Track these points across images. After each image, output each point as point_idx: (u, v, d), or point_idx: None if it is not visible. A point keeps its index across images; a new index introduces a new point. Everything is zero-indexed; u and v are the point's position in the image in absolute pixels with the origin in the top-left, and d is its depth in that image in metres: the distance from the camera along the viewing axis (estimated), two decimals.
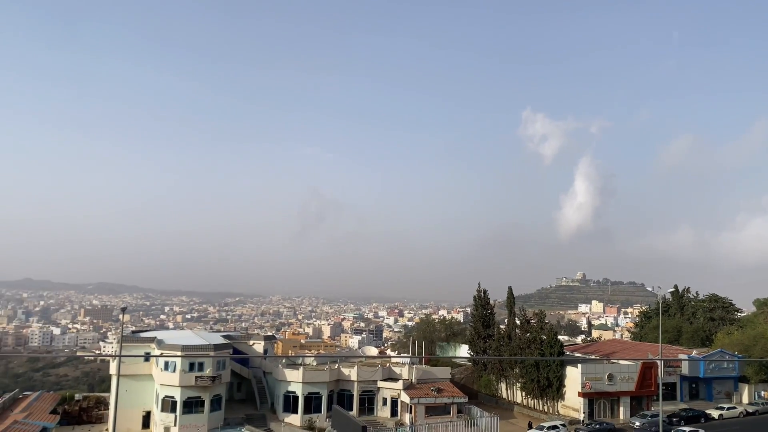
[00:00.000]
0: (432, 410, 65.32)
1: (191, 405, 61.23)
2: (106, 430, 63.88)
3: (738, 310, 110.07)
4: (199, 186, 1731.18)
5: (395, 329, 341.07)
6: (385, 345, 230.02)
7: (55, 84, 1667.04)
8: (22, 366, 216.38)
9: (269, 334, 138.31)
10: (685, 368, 76.22)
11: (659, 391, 57.28)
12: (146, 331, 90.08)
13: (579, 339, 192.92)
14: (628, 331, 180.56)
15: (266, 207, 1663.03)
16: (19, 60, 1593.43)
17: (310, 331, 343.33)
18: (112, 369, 67.42)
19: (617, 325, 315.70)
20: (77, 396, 73.21)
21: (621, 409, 69.58)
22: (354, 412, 65.84)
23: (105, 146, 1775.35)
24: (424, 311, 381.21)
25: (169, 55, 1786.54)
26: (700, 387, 78.79)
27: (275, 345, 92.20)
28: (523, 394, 74.97)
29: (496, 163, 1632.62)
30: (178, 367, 60.97)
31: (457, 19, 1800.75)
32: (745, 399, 77.82)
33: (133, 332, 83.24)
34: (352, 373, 68.34)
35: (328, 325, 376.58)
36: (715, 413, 67.54)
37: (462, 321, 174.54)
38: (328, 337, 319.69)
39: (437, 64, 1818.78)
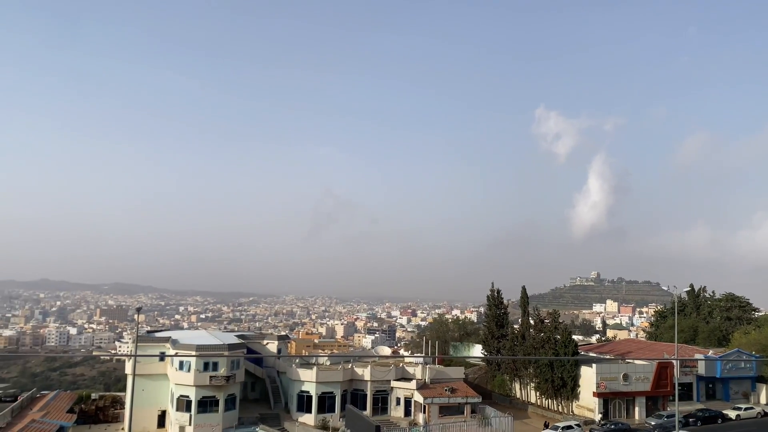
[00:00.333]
0: (446, 410, 65.21)
1: (206, 404, 61.55)
2: (122, 429, 64.39)
3: (755, 310, 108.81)
4: (213, 186, 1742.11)
5: (408, 329, 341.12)
6: (399, 345, 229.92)
7: (67, 84, 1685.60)
8: (40, 365, 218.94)
9: (283, 333, 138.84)
10: (701, 368, 75.52)
11: (675, 392, 56.81)
12: (161, 331, 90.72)
13: (593, 339, 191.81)
14: (644, 330, 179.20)
15: (279, 207, 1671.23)
16: (35, 62, 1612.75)
17: (323, 330, 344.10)
18: (128, 368, 67.96)
19: (632, 325, 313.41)
20: (93, 395, 73.90)
21: (636, 409, 69.03)
22: (367, 411, 65.78)
23: (118, 147, 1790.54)
24: (437, 311, 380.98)
25: (182, 57, 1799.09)
26: (716, 387, 77.98)
27: (289, 345, 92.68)
28: (538, 394, 74.61)
29: (510, 162, 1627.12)
30: (193, 367, 61.32)
31: (468, 17, 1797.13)
32: (763, 399, 76.94)
33: (148, 332, 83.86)
34: (365, 372, 68.36)
35: (342, 324, 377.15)
36: (732, 414, 66.77)
37: (475, 321, 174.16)
38: (342, 336, 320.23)
39: (450, 64, 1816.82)
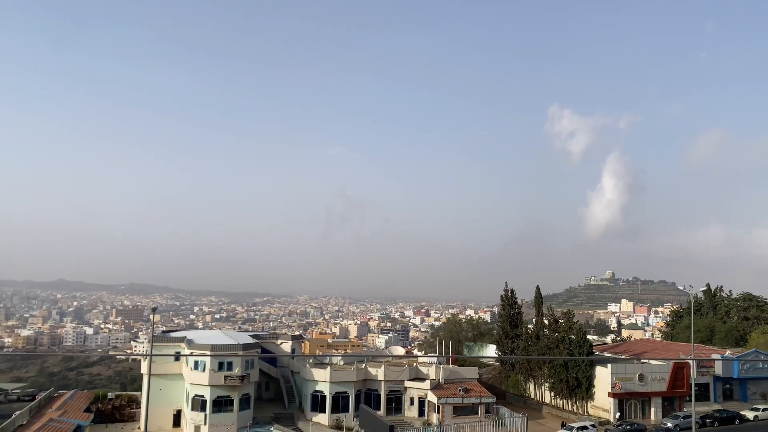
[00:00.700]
0: (459, 410, 65.15)
1: (220, 404, 61.97)
2: (138, 428, 64.98)
3: None
4: (226, 187, 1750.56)
5: (422, 329, 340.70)
6: (412, 345, 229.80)
7: (81, 87, 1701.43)
8: (57, 365, 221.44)
9: (297, 333, 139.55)
10: (718, 368, 74.74)
11: (692, 392, 56.30)
12: (176, 330, 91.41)
13: (608, 339, 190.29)
14: (659, 330, 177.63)
15: (293, 207, 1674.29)
16: (50, 65, 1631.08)
17: (336, 330, 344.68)
18: (144, 368, 68.49)
19: (648, 325, 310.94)
20: (110, 395, 74.70)
21: (652, 409, 68.46)
22: (381, 411, 65.91)
23: (132, 148, 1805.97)
24: (450, 311, 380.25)
25: (195, 60, 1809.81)
26: (734, 387, 77.09)
27: (302, 344, 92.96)
28: (552, 395, 74.28)
29: (522, 162, 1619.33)
30: (208, 367, 61.76)
31: (480, 16, 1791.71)
32: None
33: (163, 332, 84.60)
34: (379, 372, 68.44)
35: (355, 324, 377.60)
36: (750, 414, 65.99)
37: (489, 321, 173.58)
38: (355, 336, 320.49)
39: (462, 64, 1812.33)
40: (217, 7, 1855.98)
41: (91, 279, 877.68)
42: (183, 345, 68.65)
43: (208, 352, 62.56)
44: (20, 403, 69.30)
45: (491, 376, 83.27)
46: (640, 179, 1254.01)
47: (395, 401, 68.87)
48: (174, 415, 67.59)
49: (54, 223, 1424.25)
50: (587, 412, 69.62)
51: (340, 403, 66.40)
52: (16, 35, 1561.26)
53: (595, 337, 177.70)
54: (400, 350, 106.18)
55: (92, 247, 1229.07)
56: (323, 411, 65.93)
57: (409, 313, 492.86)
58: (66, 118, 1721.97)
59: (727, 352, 78.73)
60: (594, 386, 69.23)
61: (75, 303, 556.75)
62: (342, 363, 73.54)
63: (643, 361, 73.18)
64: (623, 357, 77.85)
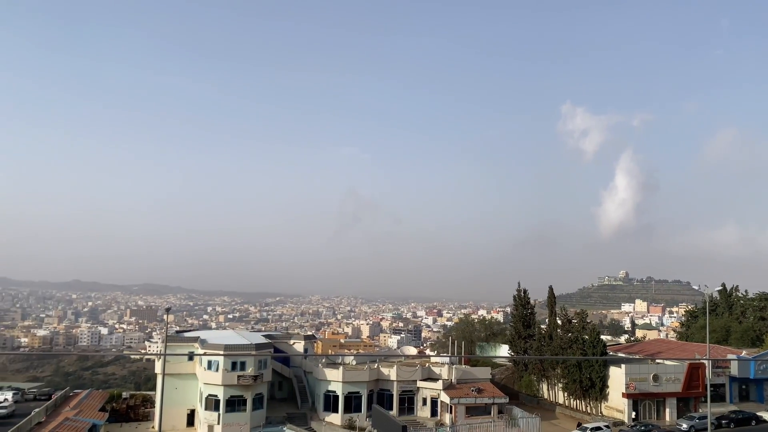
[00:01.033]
0: (472, 410, 64.96)
1: (234, 403, 62.23)
2: (153, 427, 65.45)
3: None
4: (240, 188, 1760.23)
5: (434, 329, 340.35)
6: (424, 345, 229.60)
7: (94, 89, 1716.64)
8: (72, 365, 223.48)
9: (309, 333, 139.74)
10: (734, 369, 73.89)
11: (707, 393, 55.78)
12: (190, 330, 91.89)
13: (622, 339, 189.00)
14: (674, 330, 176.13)
15: (305, 208, 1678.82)
16: (65, 68, 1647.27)
17: (349, 330, 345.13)
18: (158, 368, 68.99)
19: (662, 325, 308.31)
20: (124, 394, 75.20)
21: (667, 410, 67.90)
22: (394, 411, 65.88)
23: (148, 149, 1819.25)
24: (463, 311, 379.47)
25: (209, 65, 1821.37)
26: (750, 388, 76.25)
27: (315, 344, 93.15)
28: (566, 395, 73.88)
29: (535, 161, 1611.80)
30: (221, 366, 62.04)
31: (490, 16, 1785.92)
32: None
33: (177, 332, 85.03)
34: (391, 372, 68.43)
35: (367, 324, 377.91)
36: (766, 416, 65.22)
37: (502, 321, 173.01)
38: (367, 336, 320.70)
39: (473, 65, 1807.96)
40: (227, 12, 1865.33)
41: (105, 279, 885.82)
42: (196, 345, 69.02)
43: (222, 352, 62.81)
44: (37, 402, 69.97)
45: (504, 376, 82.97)
46: (654, 178, 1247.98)
47: (408, 401, 68.80)
48: (188, 415, 68.07)
49: (69, 224, 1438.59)
50: (601, 412, 69.18)
51: (352, 403, 66.45)
52: (29, 42, 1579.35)
53: (609, 338, 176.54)
54: (412, 350, 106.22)
55: (107, 247, 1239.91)
56: (336, 411, 66.02)
57: (421, 313, 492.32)
58: (77, 121, 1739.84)
59: (743, 353, 77.88)
60: (608, 387, 68.78)
61: (90, 303, 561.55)
62: (354, 363, 73.58)
63: (657, 361, 72.59)
64: (637, 357, 77.30)
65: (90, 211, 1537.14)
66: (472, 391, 66.38)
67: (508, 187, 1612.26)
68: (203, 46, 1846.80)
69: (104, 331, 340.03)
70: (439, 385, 67.63)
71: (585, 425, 61.01)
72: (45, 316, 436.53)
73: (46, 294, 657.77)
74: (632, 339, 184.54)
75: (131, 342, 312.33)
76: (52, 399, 66.61)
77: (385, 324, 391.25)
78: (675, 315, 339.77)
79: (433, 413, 67.58)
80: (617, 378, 67.59)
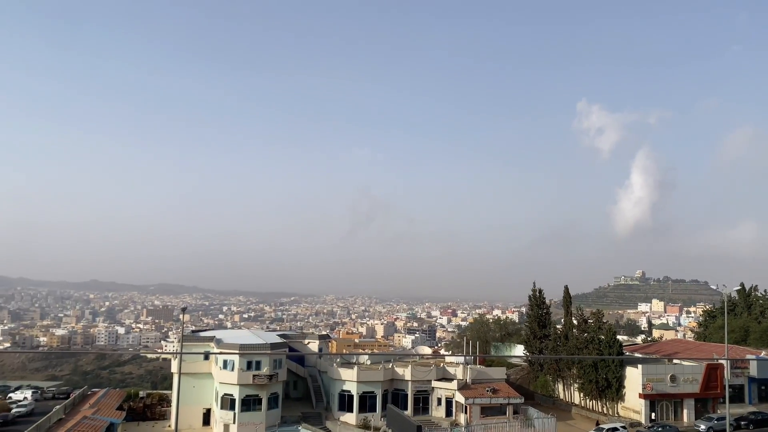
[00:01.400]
0: (487, 411, 64.72)
1: (249, 403, 62.49)
2: (169, 426, 65.93)
3: None
4: (255, 189, 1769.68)
5: (449, 329, 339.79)
6: (439, 345, 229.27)
7: (112, 93, 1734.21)
8: (90, 364, 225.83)
9: (324, 333, 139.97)
10: (753, 369, 72.90)
11: (725, 394, 55.12)
12: (205, 330, 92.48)
13: (639, 339, 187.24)
14: (691, 330, 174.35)
15: (320, 208, 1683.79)
16: (81, 71, 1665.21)
17: (363, 330, 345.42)
18: (174, 367, 69.44)
19: (679, 325, 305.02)
20: (141, 393, 75.87)
21: (685, 411, 67.18)
22: (408, 411, 65.83)
23: (164, 151, 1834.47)
24: (477, 311, 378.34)
25: (225, 70, 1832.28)
26: None
27: (330, 344, 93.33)
28: (582, 395, 73.37)
29: (550, 159, 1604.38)
30: (237, 366, 62.35)
31: (503, 15, 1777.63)
32: None
33: (193, 332, 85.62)
34: (406, 372, 68.38)
35: (382, 324, 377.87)
36: None
37: (517, 321, 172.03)
38: (382, 336, 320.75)
39: (488, 64, 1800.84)
40: (243, 18, 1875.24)
41: (122, 279, 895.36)
42: (212, 344, 69.45)
43: (237, 351, 63.11)
44: (55, 400, 70.89)
45: (519, 376, 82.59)
46: (671, 176, 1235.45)
47: (422, 401, 68.71)
48: (204, 414, 68.42)
49: (87, 225, 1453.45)
50: (617, 413, 68.63)
51: (367, 402, 66.50)
52: (49, 47, 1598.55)
53: (625, 338, 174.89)
54: (427, 350, 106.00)
55: (124, 248, 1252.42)
56: (350, 410, 66.10)
57: (435, 313, 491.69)
58: (94, 123, 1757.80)
59: (763, 353, 76.89)
60: (624, 387, 68.24)
61: (107, 303, 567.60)
62: (369, 363, 73.63)
63: (674, 361, 71.84)
64: (654, 357, 76.56)
65: (107, 212, 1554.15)
66: (487, 391, 66.14)
67: (523, 186, 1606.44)
68: (224, 54, 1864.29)
69: (121, 330, 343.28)
70: (453, 385, 67.46)
71: (601, 426, 60.59)
72: (63, 316, 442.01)
73: (65, 294, 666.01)
74: (649, 339, 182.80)
75: (148, 341, 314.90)
76: (70, 398, 67.42)
77: (399, 324, 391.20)
78: (692, 315, 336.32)
79: (448, 413, 67.41)
80: (634, 378, 67.02)
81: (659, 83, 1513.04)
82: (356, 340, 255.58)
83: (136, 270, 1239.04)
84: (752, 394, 73.71)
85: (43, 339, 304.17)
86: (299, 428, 62.17)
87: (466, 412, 64.36)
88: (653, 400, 66.11)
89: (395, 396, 68.30)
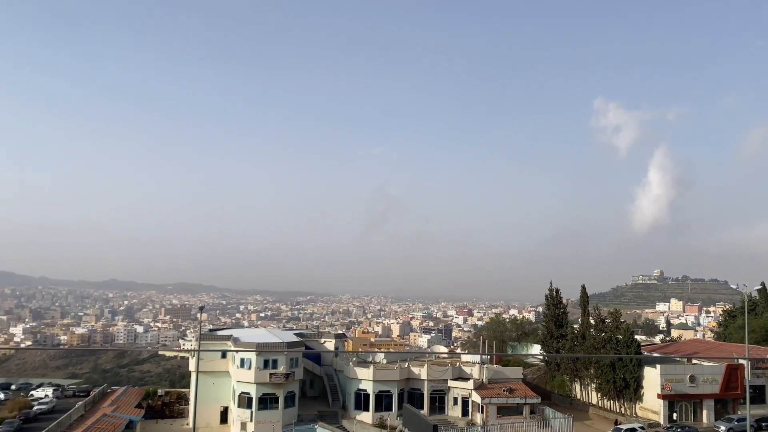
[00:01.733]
0: (504, 410, 64.48)
1: (266, 401, 62.82)
2: (187, 424, 66.59)
3: None
4: (271, 188, 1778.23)
5: (465, 328, 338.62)
6: (455, 344, 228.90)
7: (129, 94, 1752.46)
8: (110, 362, 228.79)
9: (340, 332, 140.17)
10: None
11: (746, 394, 54.45)
12: (223, 329, 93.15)
13: (657, 339, 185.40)
14: (711, 330, 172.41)
15: (335, 208, 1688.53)
16: (96, 73, 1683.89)
17: (379, 329, 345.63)
18: (192, 366, 70.04)
19: (699, 325, 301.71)
20: (160, 391, 76.68)
21: (704, 412, 66.41)
22: (424, 411, 65.79)
23: (180, 152, 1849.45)
24: (494, 310, 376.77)
25: (244, 70, 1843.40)
26: None
27: (346, 343, 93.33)
28: (599, 396, 72.85)
29: (567, 158, 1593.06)
30: (254, 364, 62.68)
31: (517, 13, 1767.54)
32: None
33: (210, 330, 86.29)
34: (422, 372, 68.33)
35: (397, 323, 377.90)
36: None
37: (533, 321, 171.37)
38: (397, 335, 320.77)
39: (502, 60, 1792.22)
40: (258, 22, 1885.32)
41: (141, 279, 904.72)
42: (229, 343, 69.91)
43: (254, 350, 63.46)
44: (76, 398, 71.82)
45: (536, 376, 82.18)
46: (689, 174, 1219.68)
47: (438, 401, 68.62)
48: (221, 412, 69.00)
49: (106, 225, 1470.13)
50: (635, 413, 68.04)
51: (383, 401, 66.55)
52: (67, 50, 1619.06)
53: (643, 338, 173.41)
54: (442, 349, 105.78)
55: (142, 248, 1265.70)
56: (367, 409, 66.21)
57: (451, 312, 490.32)
58: (112, 124, 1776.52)
59: None
60: (642, 387, 67.63)
61: (126, 302, 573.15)
62: (385, 362, 73.69)
63: (694, 361, 71.08)
64: (673, 357, 75.78)
65: (126, 212, 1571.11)
66: (504, 390, 65.88)
67: (539, 185, 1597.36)
68: (245, 57, 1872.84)
69: (140, 329, 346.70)
70: (470, 384, 67.28)
71: (619, 427, 60.14)
72: (83, 315, 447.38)
73: (84, 293, 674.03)
74: (667, 339, 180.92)
75: (166, 340, 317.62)
76: (90, 395, 68.30)
77: (415, 323, 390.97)
78: (712, 315, 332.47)
79: (464, 413, 67.27)
80: (652, 378, 66.40)
81: (678, 80, 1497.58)
82: (372, 340, 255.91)
83: (155, 269, 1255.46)
84: None
85: (63, 337, 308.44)
86: (316, 427, 62.36)
87: (482, 412, 64.20)
88: (672, 400, 65.44)
89: (411, 395, 68.29)
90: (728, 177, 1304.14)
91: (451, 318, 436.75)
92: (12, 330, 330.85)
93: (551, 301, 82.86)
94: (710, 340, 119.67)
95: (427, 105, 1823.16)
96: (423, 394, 67.93)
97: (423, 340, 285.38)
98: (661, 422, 64.07)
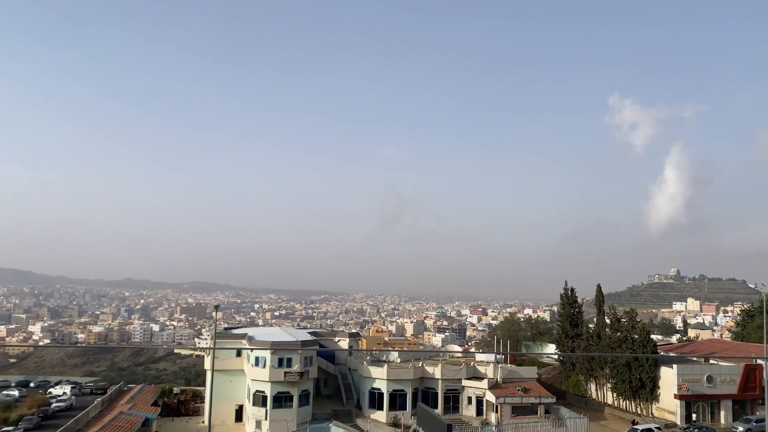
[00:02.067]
0: (518, 410, 64.27)
1: (281, 400, 63.13)
2: (202, 422, 67.02)
3: None
4: (286, 188, 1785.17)
5: (479, 328, 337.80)
6: (469, 344, 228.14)
7: (142, 94, 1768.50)
8: (126, 360, 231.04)
9: (354, 331, 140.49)
10: None
11: (765, 395, 53.77)
12: (238, 328, 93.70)
13: (674, 339, 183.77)
14: (729, 330, 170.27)
15: (349, 207, 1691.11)
16: (111, 75, 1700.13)
17: (393, 328, 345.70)
18: (207, 364, 70.53)
19: (716, 325, 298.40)
20: (175, 389, 77.35)
21: (722, 413, 65.73)
22: (439, 410, 65.71)
23: (195, 152, 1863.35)
24: (508, 310, 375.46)
25: (254, 72, 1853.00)
26: None
27: (360, 342, 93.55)
28: (615, 395, 72.33)
29: (582, 155, 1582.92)
30: (268, 363, 62.99)
31: (533, 11, 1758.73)
32: None
33: (225, 329, 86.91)
34: (436, 371, 68.28)
35: (411, 323, 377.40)
36: None
37: (548, 320, 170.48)
38: (411, 335, 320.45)
39: (515, 57, 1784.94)
40: (272, 23, 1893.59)
41: (156, 278, 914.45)
42: (244, 341, 70.31)
43: (269, 348, 63.79)
44: (93, 396, 72.59)
45: (551, 376, 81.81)
46: (706, 171, 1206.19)
47: (452, 400, 68.52)
48: (236, 410, 69.45)
49: (122, 225, 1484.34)
50: (652, 413, 67.48)
51: (397, 400, 66.58)
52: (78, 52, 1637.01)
53: (660, 337, 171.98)
54: (457, 348, 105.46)
55: (158, 247, 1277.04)
56: (381, 408, 66.26)
57: (465, 311, 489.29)
58: (127, 123, 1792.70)
59: None
60: (659, 387, 67.04)
61: (142, 301, 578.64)
62: (399, 361, 73.70)
63: (711, 361, 70.36)
64: (690, 357, 75.07)
65: (142, 211, 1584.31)
66: (518, 390, 65.65)
67: (554, 184, 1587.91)
68: (262, 56, 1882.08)
69: (156, 327, 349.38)
70: (484, 384, 67.10)
71: (635, 427, 59.65)
72: (100, 313, 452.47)
73: (101, 292, 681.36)
74: (684, 339, 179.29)
75: (181, 338, 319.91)
76: (107, 393, 68.97)
77: (429, 322, 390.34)
78: (730, 314, 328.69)
79: (479, 412, 67.11)
80: (669, 379, 65.80)
81: (694, 77, 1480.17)
82: (386, 339, 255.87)
83: (170, 268, 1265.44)
84: None
85: (80, 336, 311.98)
86: (330, 425, 62.53)
87: (496, 411, 64.03)
88: (689, 400, 64.83)
89: (425, 394, 68.25)
90: (746, 175, 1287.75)
91: (465, 317, 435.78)
92: (31, 328, 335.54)
93: (566, 301, 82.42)
94: (728, 340, 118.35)
95: (441, 103, 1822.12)
96: (437, 393, 67.90)
97: (437, 340, 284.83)
98: (678, 423, 63.50)
